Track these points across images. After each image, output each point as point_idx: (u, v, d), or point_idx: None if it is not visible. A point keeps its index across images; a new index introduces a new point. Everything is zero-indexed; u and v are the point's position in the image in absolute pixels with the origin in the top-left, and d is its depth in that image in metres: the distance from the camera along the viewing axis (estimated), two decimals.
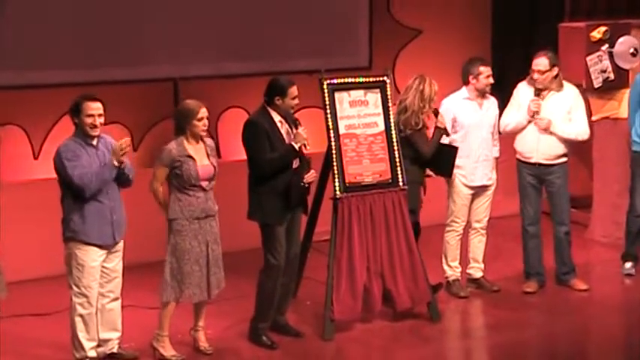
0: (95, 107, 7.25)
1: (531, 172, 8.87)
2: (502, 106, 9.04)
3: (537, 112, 8.74)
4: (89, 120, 7.24)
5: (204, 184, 7.50)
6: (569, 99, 8.87)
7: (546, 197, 9.02)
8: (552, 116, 8.77)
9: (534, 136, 8.81)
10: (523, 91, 8.92)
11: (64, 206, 7.34)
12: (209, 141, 7.69)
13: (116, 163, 7.24)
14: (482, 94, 8.86)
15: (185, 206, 7.46)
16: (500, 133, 8.96)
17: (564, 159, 8.89)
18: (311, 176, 7.86)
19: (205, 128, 7.55)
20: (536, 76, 8.76)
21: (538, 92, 8.78)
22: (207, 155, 7.56)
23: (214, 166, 7.57)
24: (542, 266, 9.09)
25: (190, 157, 7.45)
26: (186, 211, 7.46)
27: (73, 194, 7.25)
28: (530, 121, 8.79)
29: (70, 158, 7.20)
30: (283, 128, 7.77)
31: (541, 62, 8.77)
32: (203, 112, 7.50)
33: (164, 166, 7.47)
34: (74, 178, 7.18)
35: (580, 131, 8.87)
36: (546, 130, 8.75)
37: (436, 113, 8.50)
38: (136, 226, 7.87)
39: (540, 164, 8.84)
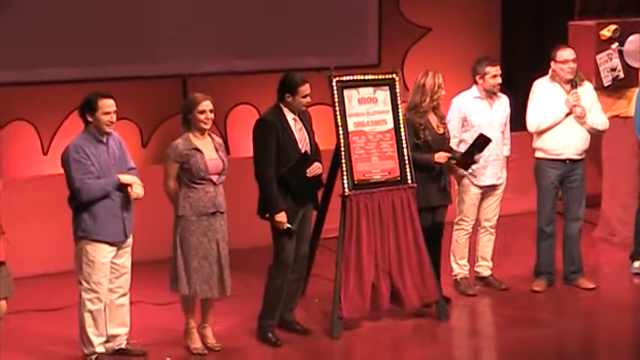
0: (111, 104, 7.29)
1: (558, 171, 8.83)
2: (513, 104, 9.01)
3: (577, 104, 8.75)
4: (106, 117, 7.26)
5: (214, 177, 7.47)
6: (590, 91, 8.94)
7: (561, 195, 9.00)
8: (585, 107, 8.82)
9: (567, 131, 8.79)
10: (547, 88, 8.87)
11: (73, 205, 7.32)
12: (217, 137, 7.67)
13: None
14: (491, 93, 8.83)
15: (194, 202, 7.43)
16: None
17: (584, 154, 8.95)
18: (314, 169, 7.74)
19: (208, 122, 7.47)
20: (572, 65, 8.74)
21: (575, 84, 8.79)
22: (216, 150, 7.55)
23: (223, 160, 7.53)
24: (554, 266, 9.07)
25: (198, 150, 7.43)
26: (196, 207, 7.43)
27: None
28: (568, 114, 8.77)
29: (78, 159, 7.20)
30: (297, 126, 7.73)
31: (570, 52, 8.79)
32: (206, 104, 7.45)
33: (173, 162, 7.45)
34: (76, 182, 7.19)
35: (603, 121, 8.94)
36: (581, 117, 8.74)
37: None
38: (144, 223, 7.87)
39: (570, 160, 8.82)
